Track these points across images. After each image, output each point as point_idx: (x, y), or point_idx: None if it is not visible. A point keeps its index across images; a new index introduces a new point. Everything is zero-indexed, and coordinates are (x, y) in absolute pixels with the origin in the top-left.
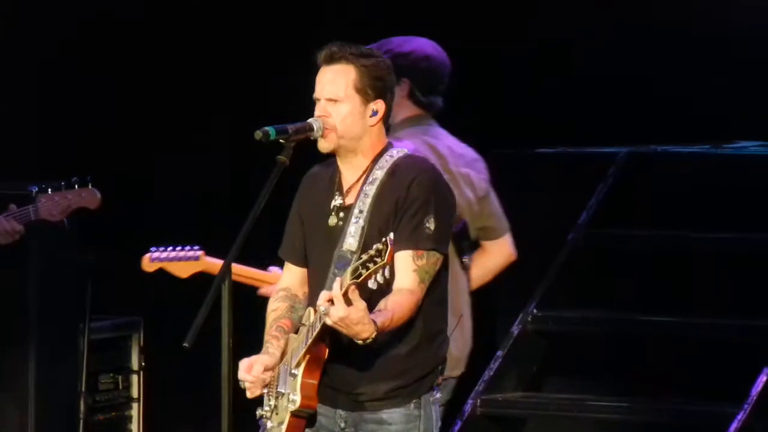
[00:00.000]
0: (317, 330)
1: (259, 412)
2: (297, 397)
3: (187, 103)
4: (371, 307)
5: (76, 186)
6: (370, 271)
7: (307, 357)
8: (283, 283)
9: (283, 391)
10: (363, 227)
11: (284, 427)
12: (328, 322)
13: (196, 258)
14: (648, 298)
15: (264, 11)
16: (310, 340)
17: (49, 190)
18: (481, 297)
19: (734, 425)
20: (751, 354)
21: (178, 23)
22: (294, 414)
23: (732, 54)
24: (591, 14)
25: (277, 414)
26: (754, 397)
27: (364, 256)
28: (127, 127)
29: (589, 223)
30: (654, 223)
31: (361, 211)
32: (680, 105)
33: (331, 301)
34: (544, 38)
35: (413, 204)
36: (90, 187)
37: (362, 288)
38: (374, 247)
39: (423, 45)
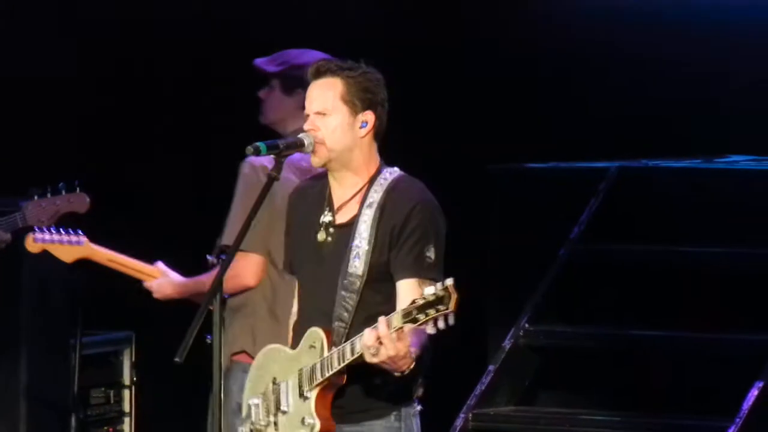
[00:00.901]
0: (347, 361)
1: (245, 428)
2: (315, 422)
3: (172, 113)
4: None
5: (64, 192)
6: (429, 317)
7: (326, 382)
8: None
9: (286, 409)
10: (368, 251)
11: None
12: (374, 360)
13: (80, 243)
14: (639, 313)
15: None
16: (334, 370)
17: (35, 196)
18: (473, 311)
19: None
20: (742, 368)
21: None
22: None
23: (723, 69)
24: (584, 32)
25: (277, 430)
26: (746, 412)
27: (420, 301)
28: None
29: (581, 238)
30: (645, 238)
31: (361, 234)
32: (671, 120)
33: (379, 341)
34: (536, 54)
35: (414, 233)
36: (78, 191)
37: (363, 308)
38: (432, 292)
39: (318, 57)
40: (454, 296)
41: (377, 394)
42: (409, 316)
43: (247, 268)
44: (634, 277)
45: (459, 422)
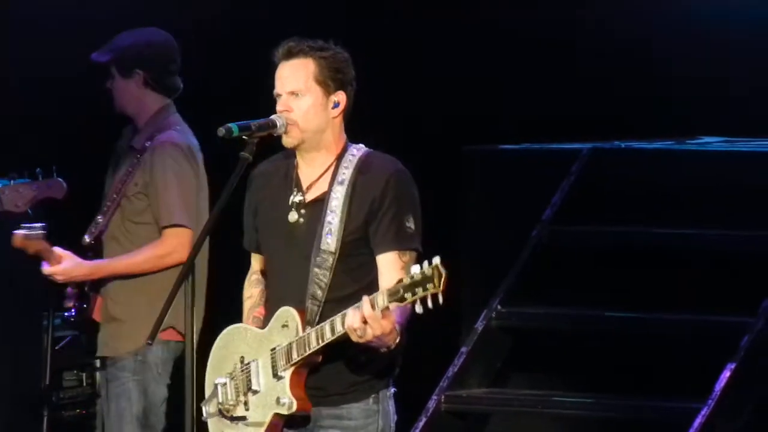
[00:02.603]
0: (327, 341)
1: (210, 408)
2: (289, 401)
3: None
4: (356, 302)
5: (41, 177)
6: (417, 296)
7: (302, 362)
8: (253, 265)
9: (258, 389)
10: (340, 227)
11: (265, 425)
12: (360, 341)
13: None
14: (611, 294)
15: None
16: (312, 350)
17: (12, 181)
18: (446, 292)
19: (698, 420)
20: (715, 350)
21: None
22: (280, 415)
23: (695, 50)
24: (555, 13)
25: (248, 409)
26: (718, 393)
27: (407, 279)
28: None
29: (553, 220)
30: (618, 219)
31: (333, 211)
32: (643, 101)
33: (364, 321)
34: (511, 36)
35: (392, 205)
36: (55, 177)
37: (336, 284)
38: (419, 271)
39: (144, 34)
40: (442, 275)
41: (356, 377)
42: (395, 295)
43: (185, 245)
44: (606, 258)
45: (431, 404)
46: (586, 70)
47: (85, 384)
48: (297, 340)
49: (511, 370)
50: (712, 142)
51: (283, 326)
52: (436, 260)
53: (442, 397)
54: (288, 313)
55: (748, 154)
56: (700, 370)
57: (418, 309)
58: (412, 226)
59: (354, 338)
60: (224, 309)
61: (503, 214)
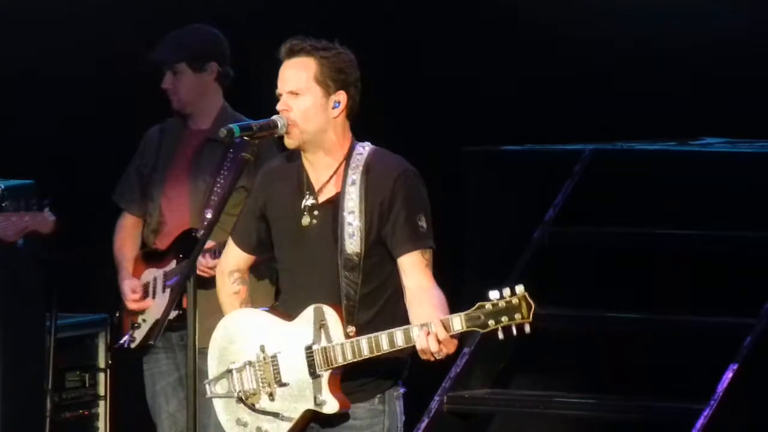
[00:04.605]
0: (382, 352)
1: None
2: (330, 401)
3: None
4: (384, 314)
5: (35, 209)
6: (503, 324)
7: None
8: (232, 263)
9: (288, 383)
10: (362, 228)
11: (295, 420)
12: (430, 359)
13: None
14: (613, 295)
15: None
16: (362, 358)
17: (5, 207)
18: (448, 293)
19: (700, 421)
20: (717, 350)
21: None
22: (314, 412)
23: (697, 50)
24: (559, 13)
25: (273, 401)
26: (720, 394)
27: (488, 306)
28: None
29: (555, 221)
30: (619, 221)
31: (352, 212)
32: (645, 101)
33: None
34: (513, 36)
35: (403, 207)
36: (46, 211)
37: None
38: (501, 298)
39: (206, 29)
40: (530, 305)
41: (364, 377)
42: (475, 321)
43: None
44: (608, 259)
45: (434, 405)
46: (588, 71)
47: (87, 385)
48: (344, 345)
49: (513, 371)
50: (714, 143)
51: (321, 326)
52: (520, 289)
53: (445, 397)
54: (325, 313)
55: (751, 155)
56: (702, 371)
57: (501, 336)
58: (425, 225)
59: (424, 358)
60: None
61: (505, 215)
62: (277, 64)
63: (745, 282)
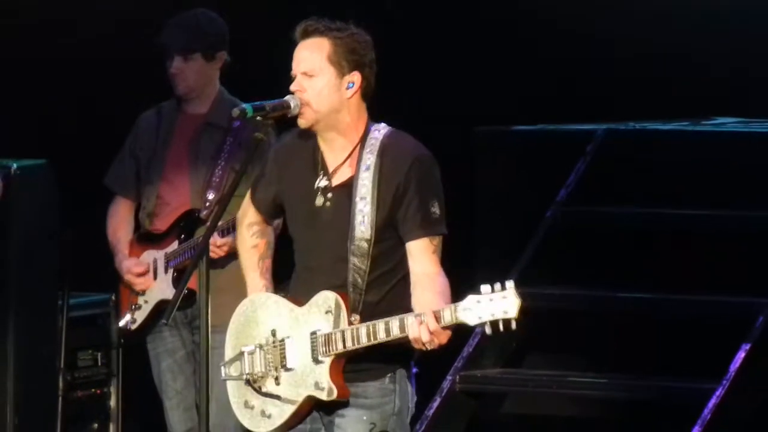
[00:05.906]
0: (379, 341)
1: (231, 370)
2: (329, 387)
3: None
4: (393, 296)
5: None
6: (491, 319)
7: (344, 353)
8: (252, 216)
9: (293, 368)
10: (372, 214)
11: (297, 404)
12: (423, 348)
13: None
14: (626, 275)
15: None
16: (361, 345)
17: None
18: (460, 274)
19: (713, 401)
20: (729, 330)
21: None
22: (314, 398)
23: (711, 31)
24: None
25: (278, 384)
26: (732, 374)
27: (479, 299)
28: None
29: (568, 200)
30: (632, 200)
31: (364, 198)
32: (659, 82)
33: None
34: (525, 16)
35: (417, 192)
36: None
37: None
38: (491, 293)
39: (215, 16)
40: (517, 302)
41: (374, 356)
42: (464, 314)
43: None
44: (620, 239)
45: (446, 384)
46: (601, 51)
47: (99, 364)
48: (345, 332)
49: (525, 351)
50: (728, 122)
51: (327, 312)
52: (510, 285)
53: (457, 377)
54: (332, 300)
55: (764, 135)
56: (715, 351)
57: (488, 331)
58: (437, 211)
59: (417, 347)
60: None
61: (517, 196)
62: (267, 47)
63: (757, 262)
